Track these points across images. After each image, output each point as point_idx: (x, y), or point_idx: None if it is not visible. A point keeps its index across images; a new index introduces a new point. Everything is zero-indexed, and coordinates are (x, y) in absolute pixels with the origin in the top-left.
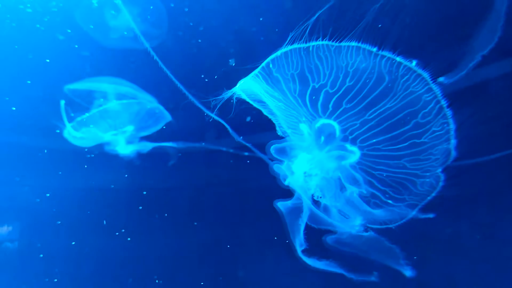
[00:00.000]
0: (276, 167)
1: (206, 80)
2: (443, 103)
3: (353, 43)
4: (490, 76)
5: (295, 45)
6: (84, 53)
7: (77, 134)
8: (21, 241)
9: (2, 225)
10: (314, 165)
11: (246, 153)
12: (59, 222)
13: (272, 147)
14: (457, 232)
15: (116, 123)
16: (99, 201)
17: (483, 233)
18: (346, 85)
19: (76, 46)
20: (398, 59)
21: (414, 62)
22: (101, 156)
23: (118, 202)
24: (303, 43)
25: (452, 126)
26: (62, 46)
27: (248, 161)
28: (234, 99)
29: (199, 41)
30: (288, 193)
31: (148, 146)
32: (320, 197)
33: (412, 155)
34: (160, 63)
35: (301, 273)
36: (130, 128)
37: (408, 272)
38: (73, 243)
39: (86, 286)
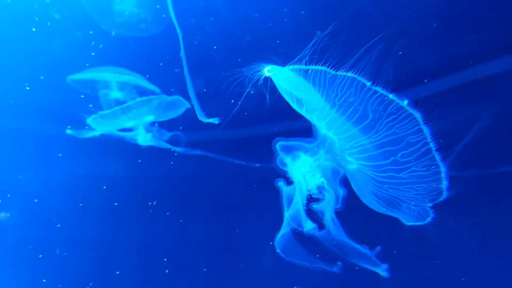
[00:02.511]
0: (279, 161)
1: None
2: (432, 145)
3: (350, 74)
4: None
5: (296, 66)
6: (78, 34)
7: (99, 127)
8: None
9: (5, 210)
10: (314, 168)
11: (257, 164)
12: (58, 225)
13: (278, 143)
14: (460, 227)
15: (137, 115)
16: (102, 189)
17: (487, 229)
18: (332, 116)
19: (79, 34)
20: (390, 96)
21: (405, 101)
22: (105, 144)
23: (120, 191)
24: (305, 64)
25: (442, 169)
26: (60, 27)
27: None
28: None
29: (208, 29)
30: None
31: (166, 135)
32: (315, 194)
33: (392, 185)
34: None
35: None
36: (150, 118)
37: (383, 273)
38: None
39: (88, 275)
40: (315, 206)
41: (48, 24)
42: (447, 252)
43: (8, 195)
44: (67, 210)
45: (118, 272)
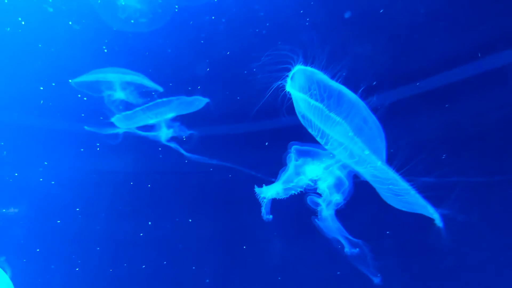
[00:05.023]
0: (288, 159)
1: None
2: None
3: (338, 119)
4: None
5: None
6: (75, 26)
7: (122, 126)
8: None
9: (13, 205)
10: (324, 173)
11: (273, 180)
12: (58, 221)
13: (293, 147)
14: (469, 221)
15: (158, 114)
16: (111, 185)
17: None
18: (327, 147)
19: (77, 27)
20: (366, 152)
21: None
22: (114, 140)
23: (128, 186)
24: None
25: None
26: (59, 18)
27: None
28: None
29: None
30: None
31: (186, 131)
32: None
33: (398, 201)
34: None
35: (308, 259)
36: (171, 115)
37: (376, 279)
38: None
39: (97, 267)
40: (310, 198)
41: (43, 16)
42: (456, 244)
43: (29, 194)
44: (75, 205)
45: (125, 265)
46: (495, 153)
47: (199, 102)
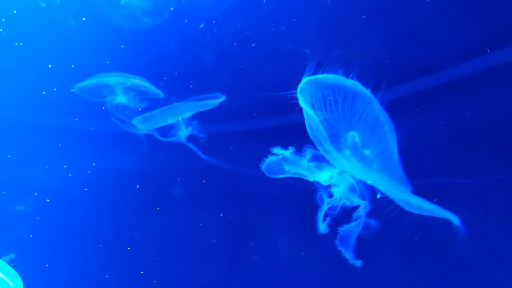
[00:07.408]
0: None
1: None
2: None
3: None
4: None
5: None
6: (72, 21)
7: (143, 127)
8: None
9: (20, 203)
10: (337, 178)
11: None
12: (64, 219)
13: (308, 149)
14: (473, 217)
15: (176, 114)
16: (116, 182)
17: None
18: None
19: (73, 22)
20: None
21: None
22: (118, 138)
23: (133, 183)
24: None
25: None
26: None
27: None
28: None
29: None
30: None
31: (202, 130)
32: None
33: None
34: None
35: (313, 257)
36: (189, 114)
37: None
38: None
39: (103, 264)
40: (320, 195)
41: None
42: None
43: (36, 192)
44: (82, 203)
45: (132, 262)
46: (503, 150)
47: (216, 102)
